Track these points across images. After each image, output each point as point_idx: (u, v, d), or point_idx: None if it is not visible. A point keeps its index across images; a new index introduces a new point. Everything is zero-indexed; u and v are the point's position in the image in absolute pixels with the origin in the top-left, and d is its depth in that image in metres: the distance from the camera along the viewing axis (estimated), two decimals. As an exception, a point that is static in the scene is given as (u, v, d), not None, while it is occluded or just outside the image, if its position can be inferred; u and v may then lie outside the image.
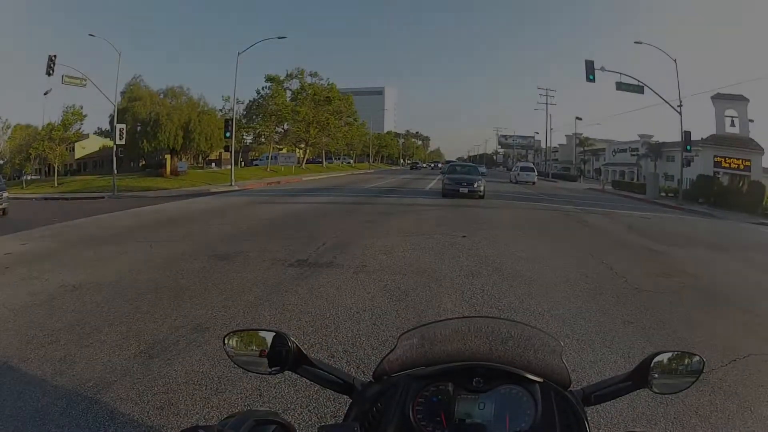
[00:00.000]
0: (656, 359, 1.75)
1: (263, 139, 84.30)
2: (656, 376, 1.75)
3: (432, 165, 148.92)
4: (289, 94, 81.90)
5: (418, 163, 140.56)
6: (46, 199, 41.88)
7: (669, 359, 1.77)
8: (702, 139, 55.05)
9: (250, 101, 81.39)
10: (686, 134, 43.22)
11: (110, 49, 62.78)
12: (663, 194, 50.86)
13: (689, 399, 5.41)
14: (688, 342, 7.50)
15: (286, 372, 1.84)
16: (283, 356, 1.82)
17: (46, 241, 16.49)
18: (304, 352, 1.84)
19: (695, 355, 1.78)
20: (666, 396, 5.27)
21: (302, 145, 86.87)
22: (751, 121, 54.05)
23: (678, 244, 17.38)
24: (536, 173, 67.68)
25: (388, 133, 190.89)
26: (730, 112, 53.94)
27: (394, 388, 1.82)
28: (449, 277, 11.07)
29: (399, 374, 1.88)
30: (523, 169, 68.17)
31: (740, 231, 25.47)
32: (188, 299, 9.41)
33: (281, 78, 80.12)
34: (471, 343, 1.94)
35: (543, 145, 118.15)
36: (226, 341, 1.90)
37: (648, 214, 29.80)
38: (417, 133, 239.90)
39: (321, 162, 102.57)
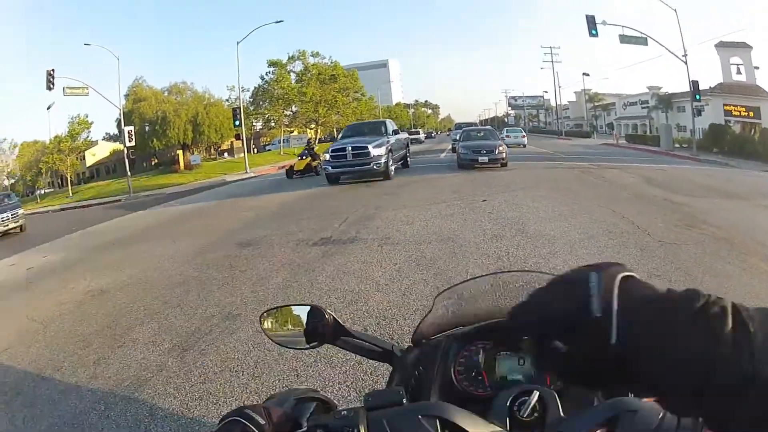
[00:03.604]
0: None
1: (273, 124, 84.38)
2: None
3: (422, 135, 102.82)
4: (293, 76, 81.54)
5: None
6: (62, 209, 42.26)
7: None
8: (710, 88, 54.50)
9: (255, 88, 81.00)
10: (694, 84, 42.51)
11: (108, 55, 62.72)
12: (677, 145, 49.84)
13: None
14: (715, 292, 7.35)
15: (321, 350, 1.85)
16: (320, 330, 1.81)
17: (67, 251, 16.66)
18: (341, 323, 1.83)
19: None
20: None
21: (313, 126, 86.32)
22: (756, 68, 53.54)
23: (697, 195, 17.14)
24: (523, 134, 67.37)
25: (397, 104, 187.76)
26: (735, 59, 53.43)
27: (434, 351, 1.82)
28: (473, 242, 11.01)
29: (437, 336, 1.88)
30: (510, 130, 68.44)
31: (757, 179, 24.96)
32: (216, 289, 9.49)
33: (283, 62, 79.84)
34: (506, 298, 1.92)
35: (553, 104, 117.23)
36: (262, 320, 1.91)
37: (664, 166, 29.33)
38: (426, 102, 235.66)
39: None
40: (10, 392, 6.35)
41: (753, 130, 44.43)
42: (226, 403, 5.19)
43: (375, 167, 25.17)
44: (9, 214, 28.17)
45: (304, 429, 1.34)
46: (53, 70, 42.37)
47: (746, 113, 49.83)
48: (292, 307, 1.92)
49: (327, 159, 26.88)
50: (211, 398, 5.34)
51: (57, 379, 6.46)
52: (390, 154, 26.67)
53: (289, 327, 1.90)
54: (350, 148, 25.71)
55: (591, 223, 12.02)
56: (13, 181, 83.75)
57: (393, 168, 27.00)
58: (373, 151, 25.29)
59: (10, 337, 8.56)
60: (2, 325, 9.38)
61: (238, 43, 51.10)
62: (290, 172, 35.57)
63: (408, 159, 33.52)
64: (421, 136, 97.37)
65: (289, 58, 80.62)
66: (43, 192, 78.06)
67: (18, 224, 28.56)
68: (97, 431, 5.05)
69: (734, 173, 27.62)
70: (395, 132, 30.59)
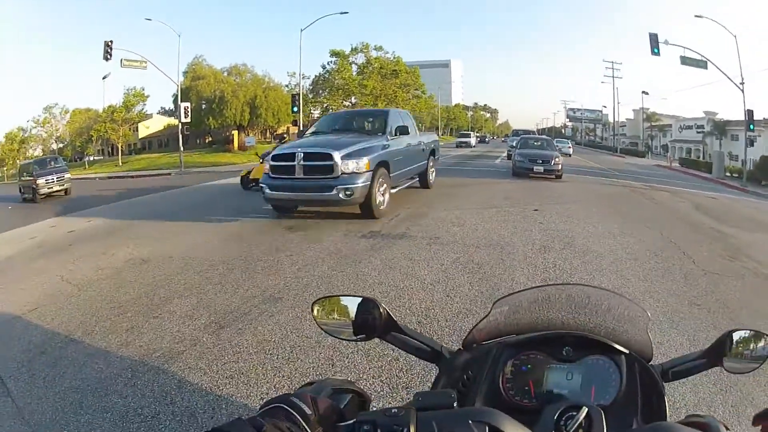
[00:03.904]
0: (731, 337, 1.71)
1: (331, 113, 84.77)
2: (728, 355, 1.71)
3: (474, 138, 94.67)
4: (354, 68, 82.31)
5: None
6: (110, 177, 43.03)
7: (740, 339, 1.72)
8: (764, 119, 53.96)
9: (316, 76, 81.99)
10: (749, 113, 41.96)
11: (169, 31, 63.67)
12: (728, 174, 49.29)
13: (746, 387, 5.31)
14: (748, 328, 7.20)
15: (358, 342, 1.81)
16: (370, 322, 1.79)
17: (112, 218, 16.93)
18: (394, 318, 1.81)
19: (766, 335, 1.72)
20: (725, 383, 5.31)
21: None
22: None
23: (744, 227, 16.91)
24: (570, 145, 69.94)
25: (456, 105, 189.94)
26: (790, 91, 53.05)
27: (484, 357, 1.82)
28: (521, 250, 11.00)
29: (489, 342, 1.87)
30: (558, 141, 69.54)
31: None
32: (260, 270, 9.52)
33: (346, 53, 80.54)
34: (561, 310, 1.91)
35: (611, 119, 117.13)
36: (314, 308, 1.88)
37: (714, 194, 29.08)
38: (485, 105, 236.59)
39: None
40: (34, 350, 6.43)
41: (801, 166, 43.97)
42: (257, 384, 5.19)
43: (342, 195, 13.74)
44: (55, 177, 28.86)
45: (351, 422, 1.31)
46: (111, 41, 43.50)
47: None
48: (345, 298, 1.89)
49: (265, 172, 15.27)
50: (243, 378, 5.33)
51: (86, 343, 6.50)
52: (383, 170, 15.15)
53: (338, 317, 1.88)
54: (301, 156, 14.23)
55: (638, 244, 11.95)
56: (62, 145, 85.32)
57: (387, 196, 15.44)
58: (343, 164, 13.80)
59: (42, 297, 8.65)
60: (35, 285, 9.49)
61: (302, 30, 51.99)
62: (246, 180, 24.26)
63: (430, 177, 21.67)
64: (472, 140, 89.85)
65: (351, 50, 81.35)
66: (92, 159, 79.58)
67: (63, 187, 29.28)
68: (121, 397, 5.06)
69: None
70: (401, 131, 17.33)
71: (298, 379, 5.25)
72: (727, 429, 1.45)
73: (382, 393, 4.95)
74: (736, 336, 1.70)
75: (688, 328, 6.99)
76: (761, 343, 1.71)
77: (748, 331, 1.72)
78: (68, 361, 5.95)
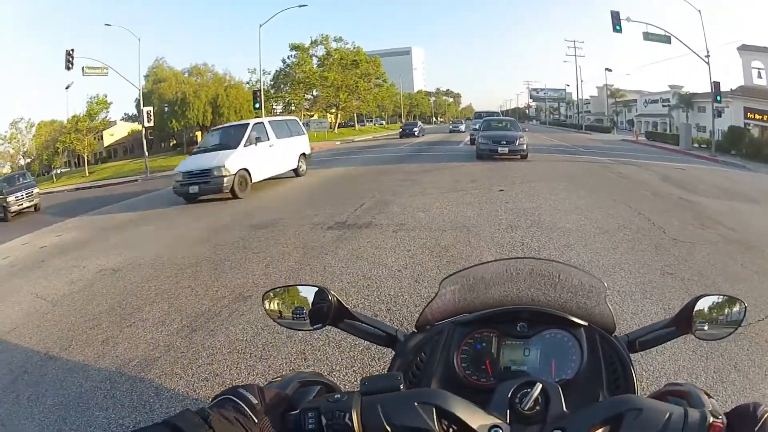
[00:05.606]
0: (699, 304, 1.68)
1: (293, 107, 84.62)
2: (699, 321, 1.68)
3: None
4: (315, 60, 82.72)
5: None
6: (77, 189, 42.29)
7: (711, 305, 1.70)
8: (731, 90, 53.93)
9: (276, 71, 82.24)
10: (716, 85, 41.83)
11: (128, 35, 63.11)
12: (696, 145, 48.92)
13: (728, 353, 5.32)
14: (727, 294, 7.22)
15: (329, 334, 1.83)
16: (324, 311, 1.77)
17: (81, 231, 16.70)
18: (346, 305, 1.80)
19: (738, 300, 1.71)
20: (706, 350, 5.28)
21: (333, 110, 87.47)
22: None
23: (714, 196, 17.02)
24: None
25: (419, 92, 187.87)
26: (756, 63, 52.96)
27: (437, 337, 1.80)
28: (488, 231, 11.02)
29: (442, 322, 1.85)
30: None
31: (774, 184, 24.73)
32: (228, 270, 9.53)
33: (306, 45, 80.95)
34: (513, 286, 1.90)
35: (574, 98, 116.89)
36: (265, 301, 1.87)
37: (682, 165, 28.95)
38: (448, 90, 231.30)
39: (353, 125, 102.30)
40: (16, 370, 6.38)
41: (771, 135, 44.24)
42: (232, 384, 5.03)
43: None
44: (24, 193, 28.34)
45: (297, 411, 1.32)
46: (72, 49, 42.44)
47: (766, 118, 49.44)
48: (298, 288, 1.88)
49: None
50: (218, 379, 5.36)
51: (65, 358, 6.48)
52: None
53: (294, 308, 1.84)
54: None
55: (607, 218, 11.99)
56: (29, 160, 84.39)
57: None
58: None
59: (20, 316, 8.59)
60: (12, 304, 9.39)
61: (260, 25, 51.40)
62: None
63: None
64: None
65: (311, 43, 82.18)
66: (59, 171, 78.52)
67: (33, 203, 28.76)
68: (101, 410, 5.06)
69: (751, 176, 27.39)
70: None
71: (272, 375, 5.20)
72: (709, 396, 1.46)
73: (354, 383, 4.90)
74: (705, 302, 1.68)
75: (662, 297, 7.05)
76: (735, 308, 1.70)
77: (719, 297, 1.71)
78: (49, 379, 5.93)
